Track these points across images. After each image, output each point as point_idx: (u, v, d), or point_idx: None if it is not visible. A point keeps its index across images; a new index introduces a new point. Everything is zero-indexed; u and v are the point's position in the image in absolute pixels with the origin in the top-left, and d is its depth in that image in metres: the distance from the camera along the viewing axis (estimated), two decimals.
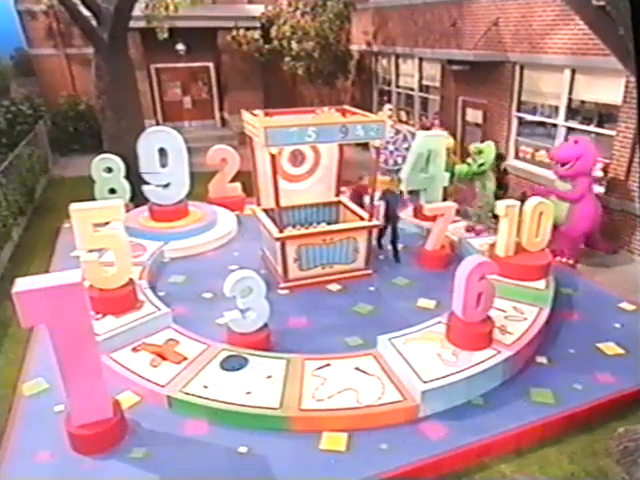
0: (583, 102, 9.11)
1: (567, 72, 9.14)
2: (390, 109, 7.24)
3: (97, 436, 4.34)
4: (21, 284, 3.80)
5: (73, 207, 5.90)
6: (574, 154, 7.80)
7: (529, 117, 10.38)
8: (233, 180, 9.89)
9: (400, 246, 8.01)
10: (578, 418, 4.88)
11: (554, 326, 6.11)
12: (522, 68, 10.29)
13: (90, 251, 5.92)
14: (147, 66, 16.78)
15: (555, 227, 7.83)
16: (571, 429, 4.85)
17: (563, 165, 7.94)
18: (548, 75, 9.65)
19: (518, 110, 10.58)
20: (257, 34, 15.98)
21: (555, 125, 9.62)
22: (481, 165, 8.37)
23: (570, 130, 9.33)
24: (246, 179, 8.79)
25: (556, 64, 9.25)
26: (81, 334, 4.03)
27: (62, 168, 14.38)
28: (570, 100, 9.26)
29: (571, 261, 7.84)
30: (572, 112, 9.30)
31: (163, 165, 8.49)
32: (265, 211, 7.54)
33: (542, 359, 5.60)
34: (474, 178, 8.49)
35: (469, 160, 8.54)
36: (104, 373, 4.36)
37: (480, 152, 8.38)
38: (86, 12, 10.11)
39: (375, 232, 7.84)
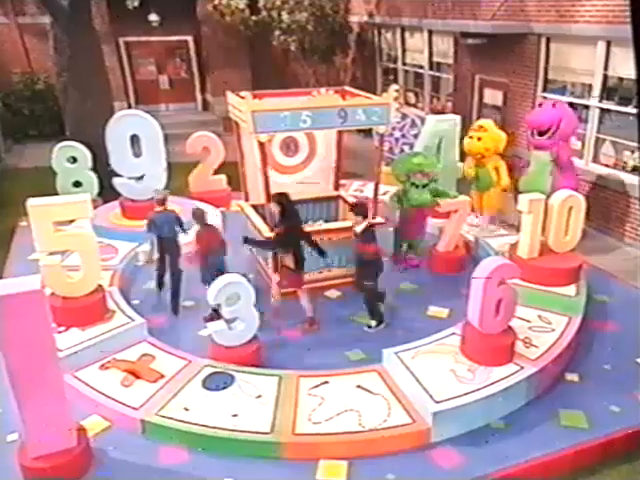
0: (621, 79, 9.12)
1: (601, 44, 9.15)
2: (396, 90, 7.19)
3: (56, 469, 4.29)
4: None
5: (31, 202, 5.89)
6: (554, 118, 8.04)
7: (557, 98, 10.41)
8: (217, 172, 9.90)
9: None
10: (616, 445, 4.89)
11: (586, 338, 6.13)
12: (548, 41, 10.31)
13: (51, 253, 5.91)
14: (115, 39, 16.77)
15: None
16: (607, 458, 4.85)
17: (542, 133, 8.18)
18: (579, 48, 9.68)
19: (544, 90, 10.61)
20: (242, 3, 15.97)
21: (587, 107, 9.66)
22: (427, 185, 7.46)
23: (604, 112, 9.36)
24: (232, 171, 8.79)
25: (588, 35, 9.25)
26: (40, 350, 4.02)
27: (17, 157, 14.35)
28: (605, 77, 9.26)
29: None
30: (608, 91, 9.31)
31: (136, 154, 8.49)
32: (254, 207, 7.56)
33: (573, 376, 5.62)
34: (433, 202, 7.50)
35: (421, 180, 7.44)
36: (67, 395, 4.35)
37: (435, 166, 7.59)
38: None
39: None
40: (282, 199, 6.18)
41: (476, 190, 8.73)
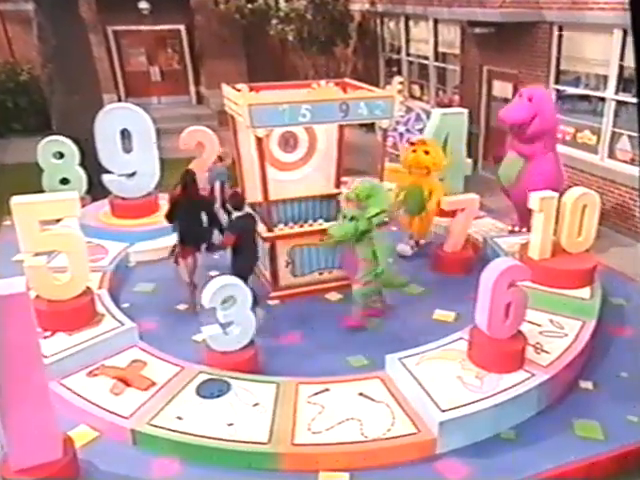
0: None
1: (617, 33, 9.16)
2: (400, 82, 7.17)
3: None
4: None
5: (15, 200, 5.90)
6: (527, 115, 7.99)
7: (570, 90, 10.42)
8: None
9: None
10: (632, 458, 4.88)
11: (602, 344, 6.13)
12: (561, 29, 10.33)
13: (37, 254, 5.91)
14: (103, 28, 16.80)
15: (504, 191, 8.46)
16: (624, 471, 4.83)
17: (518, 128, 8.12)
18: (594, 37, 9.69)
19: (556, 82, 10.64)
20: None
21: (603, 99, 9.66)
22: (373, 217, 6.22)
23: (620, 104, 9.36)
24: (228, 167, 8.81)
25: (603, 23, 9.26)
26: (24, 356, 4.02)
27: (0, 153, 14.35)
28: (622, 68, 9.27)
29: (524, 229, 8.19)
30: (624, 83, 9.31)
31: (127, 150, 8.49)
32: (251, 205, 7.55)
33: (587, 384, 5.63)
34: (360, 240, 6.28)
35: (350, 210, 6.31)
36: (53, 403, 4.35)
37: (368, 197, 6.23)
38: None
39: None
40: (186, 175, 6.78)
41: (406, 214, 8.16)
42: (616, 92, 9.40)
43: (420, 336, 5.97)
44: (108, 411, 4.99)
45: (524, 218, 8.11)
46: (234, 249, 6.30)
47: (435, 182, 8.04)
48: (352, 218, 6.20)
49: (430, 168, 7.95)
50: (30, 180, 8.97)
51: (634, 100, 9.12)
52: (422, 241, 8.37)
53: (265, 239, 6.83)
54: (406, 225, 8.27)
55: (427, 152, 7.92)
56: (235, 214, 6.36)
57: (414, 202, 7.97)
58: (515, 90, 11.47)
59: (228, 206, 6.81)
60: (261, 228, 6.91)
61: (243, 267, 6.26)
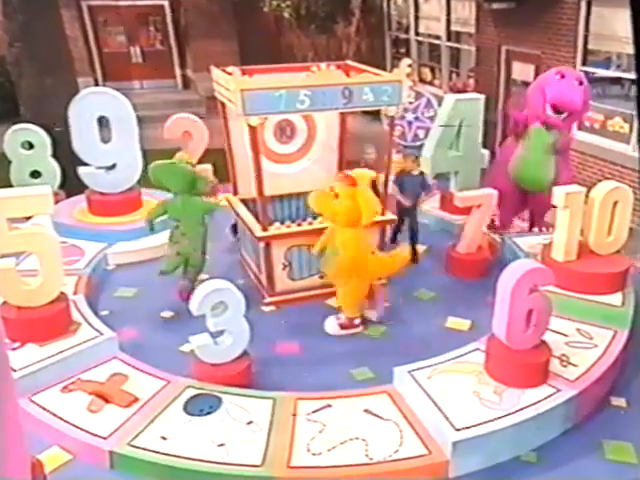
0: None
1: None
2: (409, 65, 7.14)
3: None
4: None
5: None
6: (585, 99, 7.54)
7: (599, 72, 10.43)
8: (201, 161, 9.88)
9: (422, 247, 8.14)
10: None
11: (636, 356, 6.13)
12: (589, 3, 10.34)
13: (4, 256, 5.92)
14: (77, 3, 16.81)
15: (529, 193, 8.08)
16: None
17: (558, 111, 7.60)
18: (626, 12, 9.67)
19: (584, 63, 10.66)
20: None
21: (636, 82, 9.65)
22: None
23: None
24: (218, 159, 8.82)
25: None
26: None
27: None
28: None
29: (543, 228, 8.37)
30: None
31: (105, 140, 8.49)
32: (244, 202, 7.58)
33: (619, 401, 5.62)
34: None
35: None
36: (22, 423, 4.33)
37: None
38: None
39: (390, 227, 7.97)
40: None
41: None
42: None
43: (432, 346, 5.98)
44: (84, 431, 4.98)
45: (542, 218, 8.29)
46: None
47: (345, 233, 6.25)
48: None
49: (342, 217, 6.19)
50: None
51: None
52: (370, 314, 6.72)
53: (259, 239, 6.84)
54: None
55: (337, 195, 6.14)
56: None
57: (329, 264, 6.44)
58: (537, 73, 11.47)
59: None
60: (255, 227, 6.93)
61: None
